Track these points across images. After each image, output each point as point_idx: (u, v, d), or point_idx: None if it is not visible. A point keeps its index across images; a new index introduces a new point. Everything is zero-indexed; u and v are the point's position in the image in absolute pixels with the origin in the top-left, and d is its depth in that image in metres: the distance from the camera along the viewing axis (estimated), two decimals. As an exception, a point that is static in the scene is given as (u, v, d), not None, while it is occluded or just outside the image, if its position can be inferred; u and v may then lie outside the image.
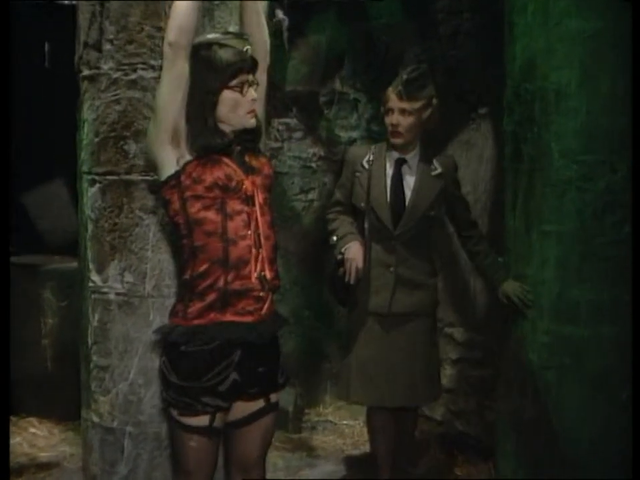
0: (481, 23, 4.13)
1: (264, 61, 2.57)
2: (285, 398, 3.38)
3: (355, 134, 4.63)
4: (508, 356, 3.34)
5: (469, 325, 4.28)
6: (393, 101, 3.36)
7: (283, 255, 4.43)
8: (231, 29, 2.68)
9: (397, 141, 3.39)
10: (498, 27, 3.43)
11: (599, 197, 3.06)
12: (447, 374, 4.24)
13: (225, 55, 2.41)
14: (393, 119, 3.37)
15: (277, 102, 4.35)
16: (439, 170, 3.42)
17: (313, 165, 4.63)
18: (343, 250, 3.38)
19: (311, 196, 4.63)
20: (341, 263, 3.36)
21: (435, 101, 3.42)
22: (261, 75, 2.56)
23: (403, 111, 3.35)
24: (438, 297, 3.56)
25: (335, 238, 3.45)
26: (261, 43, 2.55)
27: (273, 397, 2.61)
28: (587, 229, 3.09)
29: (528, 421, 3.19)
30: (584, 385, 3.11)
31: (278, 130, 4.53)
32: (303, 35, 4.38)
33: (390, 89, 3.39)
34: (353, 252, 3.35)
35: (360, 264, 3.34)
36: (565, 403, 3.12)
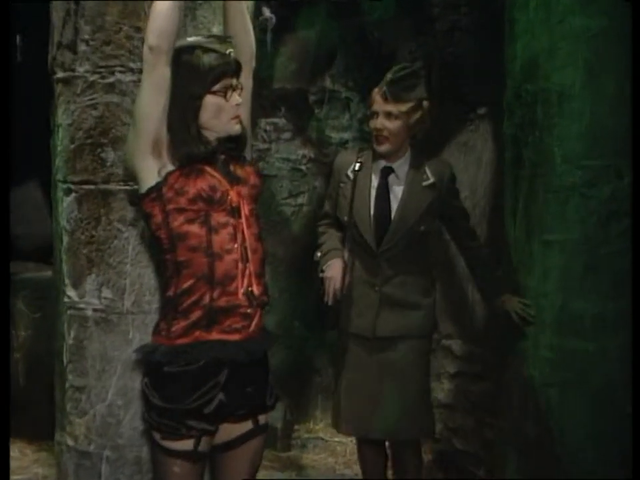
0: (480, 18, 4.12)
1: (249, 65, 2.56)
2: (273, 414, 3.37)
3: (346, 135, 4.61)
4: (508, 371, 3.34)
5: (467, 337, 4.28)
6: (378, 103, 3.26)
7: (271, 262, 4.42)
8: (215, 29, 2.66)
9: (382, 147, 3.28)
10: (498, 23, 3.43)
11: (604, 204, 3.07)
12: (445, 388, 4.25)
13: (207, 58, 2.40)
14: (377, 122, 3.25)
15: (264, 101, 4.34)
16: (432, 180, 3.29)
17: (303, 167, 4.61)
18: (324, 267, 3.30)
19: (300, 200, 4.62)
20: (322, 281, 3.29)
21: (425, 103, 3.29)
22: (247, 79, 2.54)
23: (388, 115, 3.23)
24: (436, 317, 3.46)
25: (318, 254, 3.38)
26: (246, 46, 2.54)
27: (262, 419, 2.60)
28: (591, 238, 3.09)
29: (529, 440, 3.19)
30: (588, 403, 3.12)
31: (265, 130, 4.52)
32: (291, 30, 4.37)
33: (375, 90, 3.29)
34: (332, 270, 3.28)
35: (338, 284, 3.26)
36: (569, 422, 3.12)
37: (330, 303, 3.26)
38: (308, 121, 4.60)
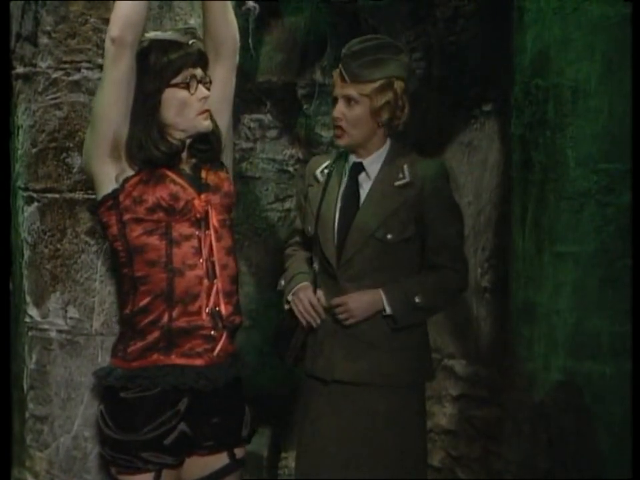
0: (486, 5, 4.11)
1: (232, 60, 2.56)
2: (259, 440, 3.34)
3: (338, 133, 4.60)
4: (517, 395, 3.34)
5: (471, 357, 4.27)
6: (337, 85, 2.93)
7: (256, 274, 4.41)
8: (192, 20, 2.68)
9: (340, 141, 2.95)
10: (506, 11, 3.44)
11: (622, 213, 3.05)
12: (447, 413, 4.24)
13: (164, 50, 2.41)
14: (335, 110, 2.92)
15: (247, 95, 4.33)
16: (407, 179, 2.92)
17: (290, 168, 4.60)
18: (289, 297, 2.98)
19: (287, 205, 4.60)
20: (292, 312, 2.97)
21: (398, 83, 2.90)
22: (229, 76, 2.55)
23: (347, 99, 2.89)
24: (425, 363, 3.04)
25: (282, 282, 3.07)
26: (228, 39, 2.53)
27: (238, 452, 2.59)
28: (609, 250, 3.09)
29: (541, 473, 3.20)
30: (607, 431, 3.11)
31: (249, 128, 4.51)
32: (277, 16, 4.35)
33: (336, 69, 2.96)
34: (302, 293, 2.95)
35: (314, 300, 2.92)
36: (585, 454, 3.11)
37: (307, 329, 2.96)
38: (296, 117, 4.59)
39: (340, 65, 2.91)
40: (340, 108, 2.91)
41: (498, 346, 3.98)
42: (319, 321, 2.93)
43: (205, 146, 2.51)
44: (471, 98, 4.21)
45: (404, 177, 2.92)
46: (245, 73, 3.78)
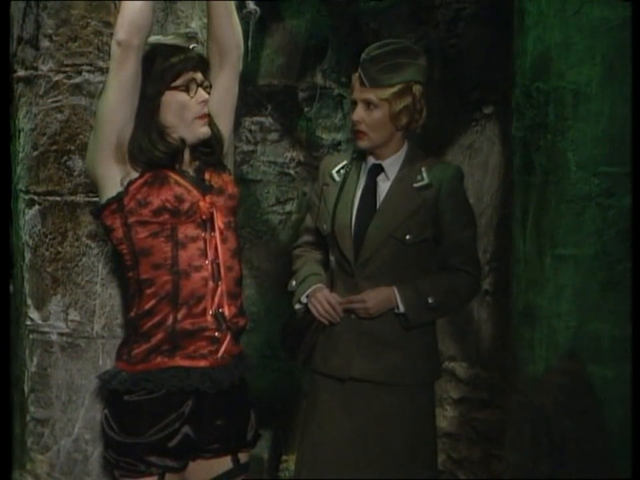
0: (487, 7, 4.13)
1: (236, 66, 2.60)
2: (259, 443, 3.33)
3: (339, 136, 4.60)
4: (518, 398, 3.32)
5: (472, 360, 4.28)
6: (356, 89, 3.00)
7: (256, 276, 4.41)
8: (193, 24, 2.70)
9: (360, 143, 3.01)
10: (506, 13, 3.44)
11: (623, 216, 3.04)
12: (448, 416, 4.25)
13: (166, 54, 2.43)
14: (354, 114, 2.99)
15: (248, 98, 4.33)
16: (426, 180, 2.99)
17: (291, 171, 4.60)
18: (302, 299, 3.04)
19: (288, 207, 4.60)
20: (304, 313, 3.03)
21: (417, 87, 2.99)
22: (232, 81, 2.59)
23: (367, 103, 2.96)
24: (434, 361, 3.12)
25: (293, 282, 3.12)
26: (232, 46, 2.57)
27: (242, 457, 2.60)
28: (610, 253, 3.07)
29: (542, 476, 3.18)
30: (608, 434, 3.09)
31: (250, 131, 4.51)
32: (278, 19, 4.35)
33: (355, 74, 3.02)
34: (319, 293, 3.00)
35: (333, 300, 2.98)
36: (586, 457, 3.10)
37: (327, 323, 3.01)
38: (297, 120, 4.59)
39: (359, 70, 2.98)
40: (359, 112, 2.99)
41: (499, 349, 3.99)
42: (338, 319, 2.98)
43: (208, 149, 2.53)
44: (471, 101, 4.23)
45: (422, 179, 3.02)
46: (245, 76, 3.77)
